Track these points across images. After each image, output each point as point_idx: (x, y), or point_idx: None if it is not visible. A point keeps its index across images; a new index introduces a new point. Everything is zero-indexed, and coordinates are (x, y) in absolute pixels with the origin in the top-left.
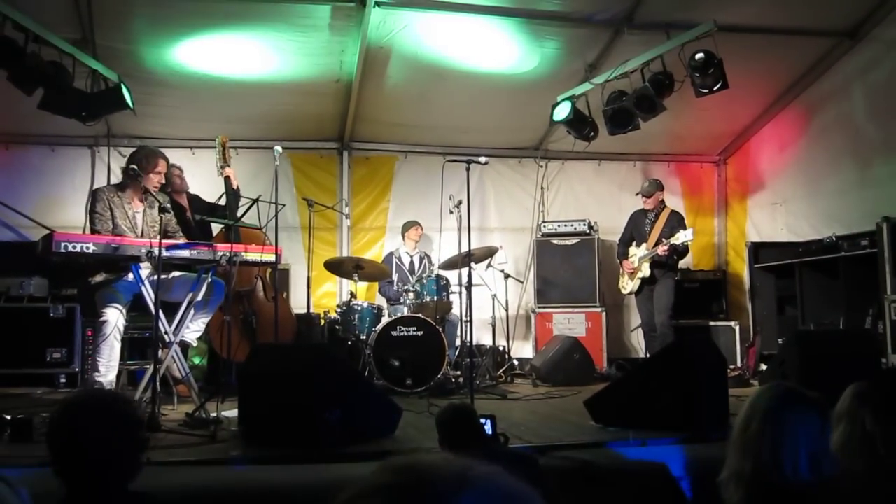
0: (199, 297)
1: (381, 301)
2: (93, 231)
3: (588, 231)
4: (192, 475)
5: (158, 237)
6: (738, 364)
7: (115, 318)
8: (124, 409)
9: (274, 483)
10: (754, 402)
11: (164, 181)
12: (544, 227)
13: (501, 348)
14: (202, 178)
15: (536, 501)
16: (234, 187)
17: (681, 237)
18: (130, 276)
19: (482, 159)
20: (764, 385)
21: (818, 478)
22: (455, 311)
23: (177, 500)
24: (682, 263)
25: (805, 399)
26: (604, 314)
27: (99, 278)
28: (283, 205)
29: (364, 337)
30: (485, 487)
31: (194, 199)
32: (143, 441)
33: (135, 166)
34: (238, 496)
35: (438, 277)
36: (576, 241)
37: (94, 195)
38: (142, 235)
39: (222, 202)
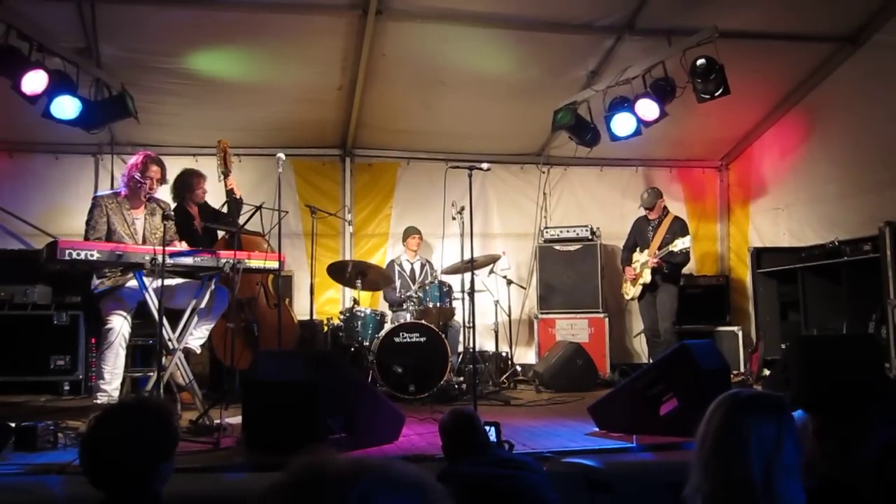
0: (203, 305)
1: (383, 307)
2: (85, 240)
3: (590, 237)
4: (196, 482)
5: (161, 244)
6: (742, 369)
7: (119, 325)
8: (160, 416)
9: None
10: (709, 418)
11: (159, 186)
12: (547, 232)
13: (504, 354)
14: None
15: (432, 485)
16: (237, 197)
17: (678, 244)
18: (134, 283)
19: (484, 165)
20: (719, 397)
21: (769, 497)
22: (458, 317)
23: None
24: (685, 269)
25: (759, 405)
26: (607, 320)
27: (103, 286)
28: (286, 212)
29: (367, 343)
30: (379, 476)
31: (202, 207)
32: (174, 447)
33: (137, 174)
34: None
35: (441, 284)
36: (578, 246)
37: (92, 202)
38: (143, 242)
39: (225, 209)
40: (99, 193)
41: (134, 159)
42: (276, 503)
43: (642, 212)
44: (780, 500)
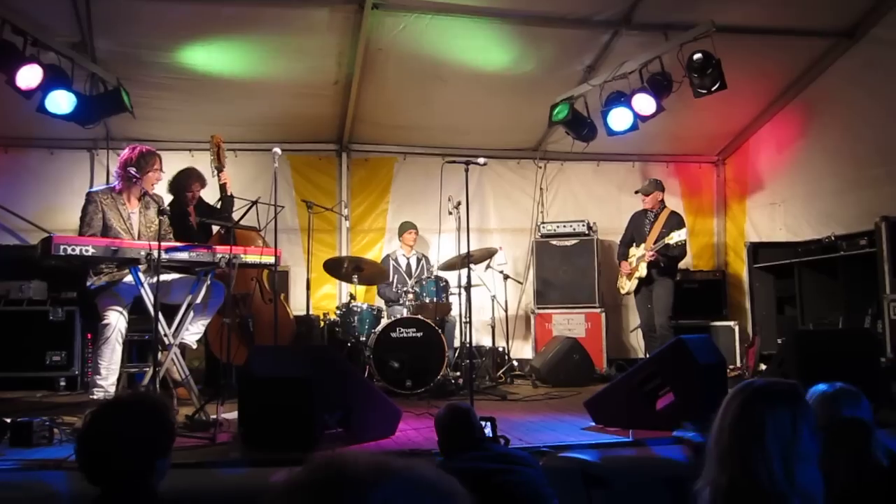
0: (199, 300)
1: (380, 302)
2: (80, 235)
3: (587, 232)
4: (192, 478)
5: (157, 238)
6: (738, 364)
7: (115, 320)
8: (157, 412)
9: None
10: (725, 410)
11: (160, 179)
12: (543, 227)
13: (501, 349)
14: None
15: (456, 490)
16: (229, 193)
17: (675, 237)
18: (130, 279)
19: (481, 160)
20: (734, 388)
21: (790, 486)
22: (454, 312)
23: (177, 502)
24: (681, 264)
25: (774, 395)
26: (603, 315)
27: (99, 282)
28: (283, 207)
29: (363, 338)
30: (402, 478)
31: (197, 203)
32: (170, 443)
33: (132, 168)
34: (238, 499)
35: (438, 279)
36: (575, 241)
37: (86, 198)
38: (138, 237)
39: (219, 205)
40: (93, 189)
41: (126, 153)
42: (291, 503)
43: (639, 206)
44: (799, 487)
